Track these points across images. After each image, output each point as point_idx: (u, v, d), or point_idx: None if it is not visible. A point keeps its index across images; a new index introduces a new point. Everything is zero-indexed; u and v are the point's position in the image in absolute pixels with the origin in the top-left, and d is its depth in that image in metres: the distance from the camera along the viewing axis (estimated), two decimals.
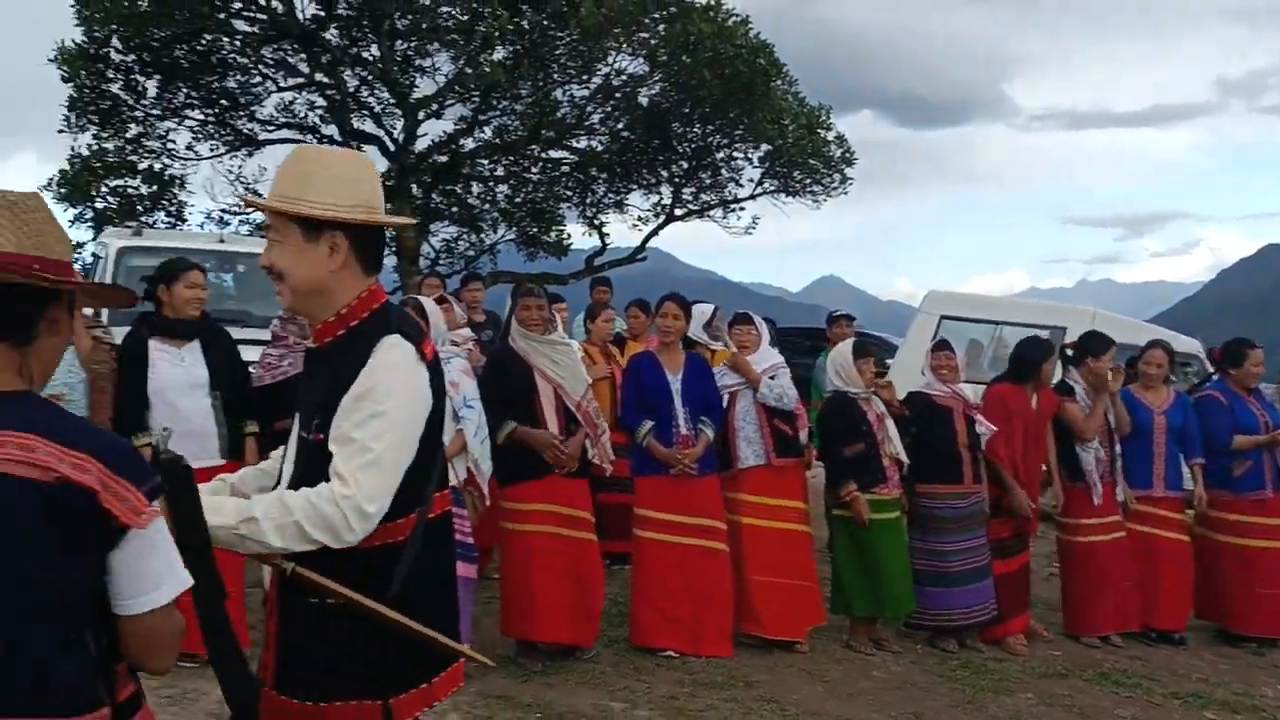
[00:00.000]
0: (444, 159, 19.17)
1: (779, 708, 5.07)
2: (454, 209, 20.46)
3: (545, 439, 5.30)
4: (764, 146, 18.74)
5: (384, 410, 2.07)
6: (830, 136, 18.95)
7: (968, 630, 6.28)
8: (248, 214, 19.19)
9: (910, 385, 6.72)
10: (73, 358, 4.97)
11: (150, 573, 1.66)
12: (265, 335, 5.70)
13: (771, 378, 6.06)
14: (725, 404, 6.00)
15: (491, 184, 20.63)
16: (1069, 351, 6.83)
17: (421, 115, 18.52)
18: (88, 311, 4.20)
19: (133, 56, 17.40)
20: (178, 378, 4.96)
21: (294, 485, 2.15)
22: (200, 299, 5.08)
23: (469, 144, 19.56)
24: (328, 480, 2.06)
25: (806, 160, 18.68)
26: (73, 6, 16.60)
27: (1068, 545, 6.70)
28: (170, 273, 5.11)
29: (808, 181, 19.33)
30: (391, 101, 18.83)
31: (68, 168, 17.83)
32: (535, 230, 20.74)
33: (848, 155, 19.10)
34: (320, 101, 19.04)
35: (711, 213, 20.59)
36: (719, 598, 5.78)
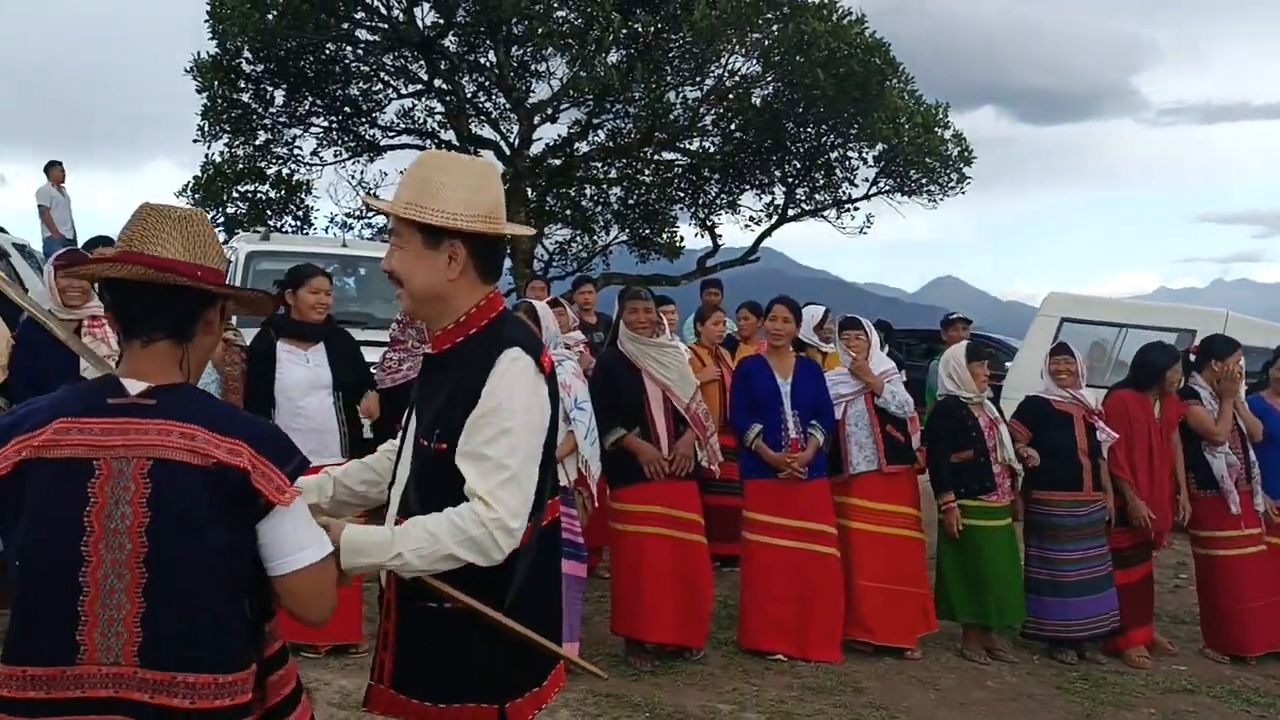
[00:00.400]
0: (558, 162, 19.43)
1: (889, 715, 5.01)
2: (568, 211, 20.72)
3: (649, 454, 5.35)
4: (879, 146, 18.48)
5: (512, 426, 2.10)
6: (948, 135, 18.59)
7: (1087, 642, 6.11)
8: (369, 218, 19.77)
9: (1028, 389, 6.57)
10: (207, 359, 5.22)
11: (296, 539, 1.89)
12: (386, 337, 5.87)
13: (887, 383, 6.00)
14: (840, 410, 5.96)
15: (604, 186, 20.82)
16: (1192, 356, 6.58)
17: (537, 119, 18.82)
18: None
19: (262, 67, 18.11)
20: (303, 378, 5.17)
21: (408, 490, 2.21)
22: (324, 304, 5.27)
23: (583, 147, 19.79)
24: (447, 491, 2.11)
25: (923, 159, 18.35)
26: (207, 21, 17.36)
27: (1204, 560, 6.40)
28: (296, 278, 5.33)
29: (924, 181, 18.99)
30: (507, 106, 19.17)
31: (201, 174, 18.64)
32: (648, 232, 20.85)
33: (966, 154, 18.71)
34: (439, 107, 19.50)
35: (825, 213, 20.39)
36: (827, 602, 5.74)
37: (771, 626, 5.68)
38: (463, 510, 2.07)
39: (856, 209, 20.08)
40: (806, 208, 20.43)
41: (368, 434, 5.39)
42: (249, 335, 5.52)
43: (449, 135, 19.55)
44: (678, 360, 5.56)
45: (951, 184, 19.04)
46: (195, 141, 18.36)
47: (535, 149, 19.15)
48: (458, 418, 2.13)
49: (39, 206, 13.49)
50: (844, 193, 20.01)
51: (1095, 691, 5.56)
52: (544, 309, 5.27)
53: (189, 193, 18.74)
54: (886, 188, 19.54)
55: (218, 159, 18.59)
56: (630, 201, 20.93)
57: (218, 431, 1.83)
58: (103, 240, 6.57)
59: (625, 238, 21.02)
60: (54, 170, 13.80)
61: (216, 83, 17.81)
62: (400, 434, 2.34)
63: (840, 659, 5.71)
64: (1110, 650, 6.15)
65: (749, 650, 5.71)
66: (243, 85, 18.31)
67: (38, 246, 12.56)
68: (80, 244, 13.96)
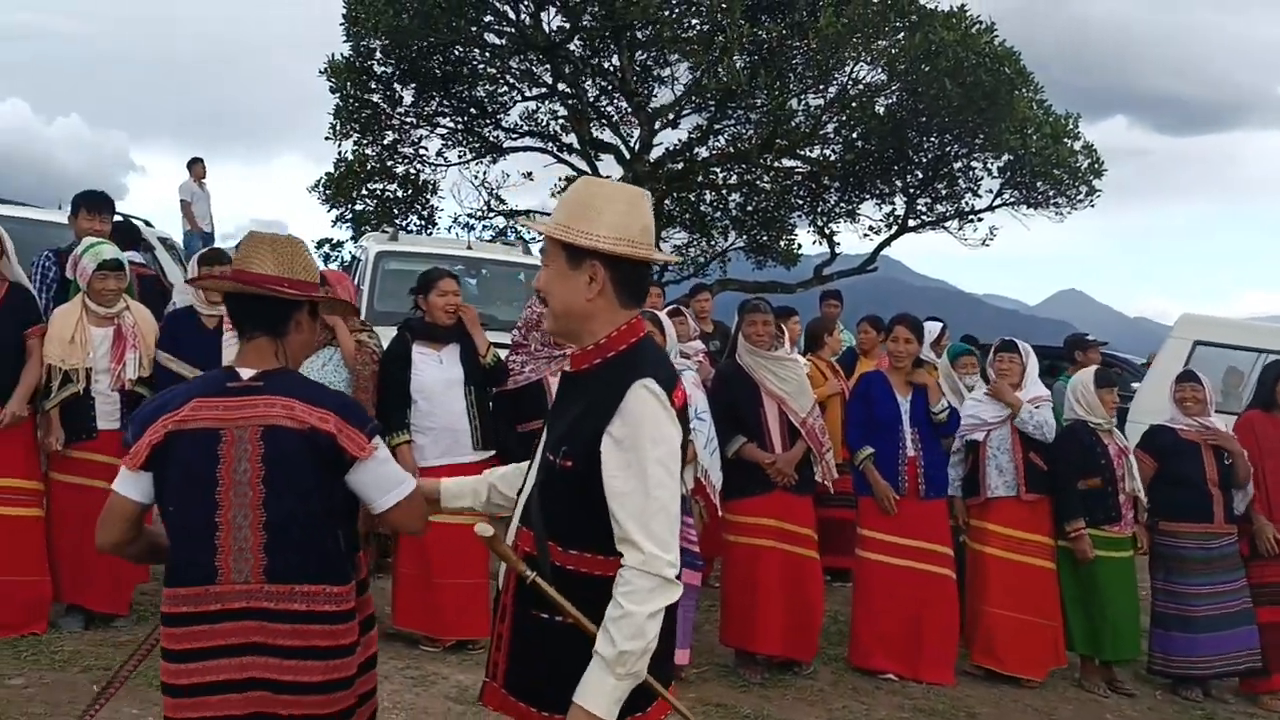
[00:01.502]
0: (677, 167, 19.48)
1: None
2: (686, 216, 20.74)
3: (769, 458, 5.36)
4: (1005, 156, 18.03)
5: (652, 458, 2.12)
6: (1078, 146, 18.04)
7: (1215, 680, 5.89)
8: (490, 219, 20.14)
9: (1156, 413, 6.37)
10: (339, 359, 5.40)
11: (383, 482, 2.47)
12: (507, 339, 5.98)
13: (1036, 408, 5.88)
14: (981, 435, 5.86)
15: (723, 191, 20.79)
16: None
17: (658, 124, 18.89)
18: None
19: (392, 67, 18.58)
20: (437, 378, 5.33)
21: (532, 500, 2.27)
22: (453, 304, 5.41)
23: (702, 152, 19.80)
24: (572, 507, 2.18)
25: (1051, 171, 17.84)
26: (342, 24, 17.90)
27: None
28: (425, 282, 5.49)
29: (1051, 193, 18.47)
30: (629, 110, 19.28)
31: (333, 171, 19.22)
32: (765, 238, 20.75)
33: (1096, 166, 18.13)
34: (561, 110, 19.73)
35: (947, 224, 20.01)
36: (942, 623, 5.66)
37: (884, 645, 5.63)
38: (625, 576, 2.10)
39: (980, 220, 19.66)
40: (927, 218, 20.07)
41: None
42: (386, 336, 5.68)
43: (570, 138, 19.78)
44: (796, 374, 5.56)
45: (1080, 197, 18.48)
46: (327, 139, 18.93)
47: (655, 153, 19.24)
48: (586, 438, 2.17)
49: (181, 201, 14.10)
50: (967, 204, 19.60)
51: None
52: (666, 320, 5.32)
53: (320, 189, 19.32)
54: (1011, 199, 19.06)
55: (349, 157, 19.13)
56: (749, 207, 20.84)
57: (311, 404, 2.41)
58: (218, 256, 6.86)
59: (742, 244, 20.95)
60: (196, 167, 14.41)
61: (349, 83, 18.33)
62: (534, 444, 2.40)
63: (953, 682, 5.63)
64: (1245, 691, 5.93)
65: (859, 668, 5.66)
66: (373, 86, 18.80)
67: (179, 239, 13.12)
68: (218, 240, 14.60)
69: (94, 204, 5.99)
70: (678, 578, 2.13)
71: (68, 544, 5.11)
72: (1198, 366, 7.39)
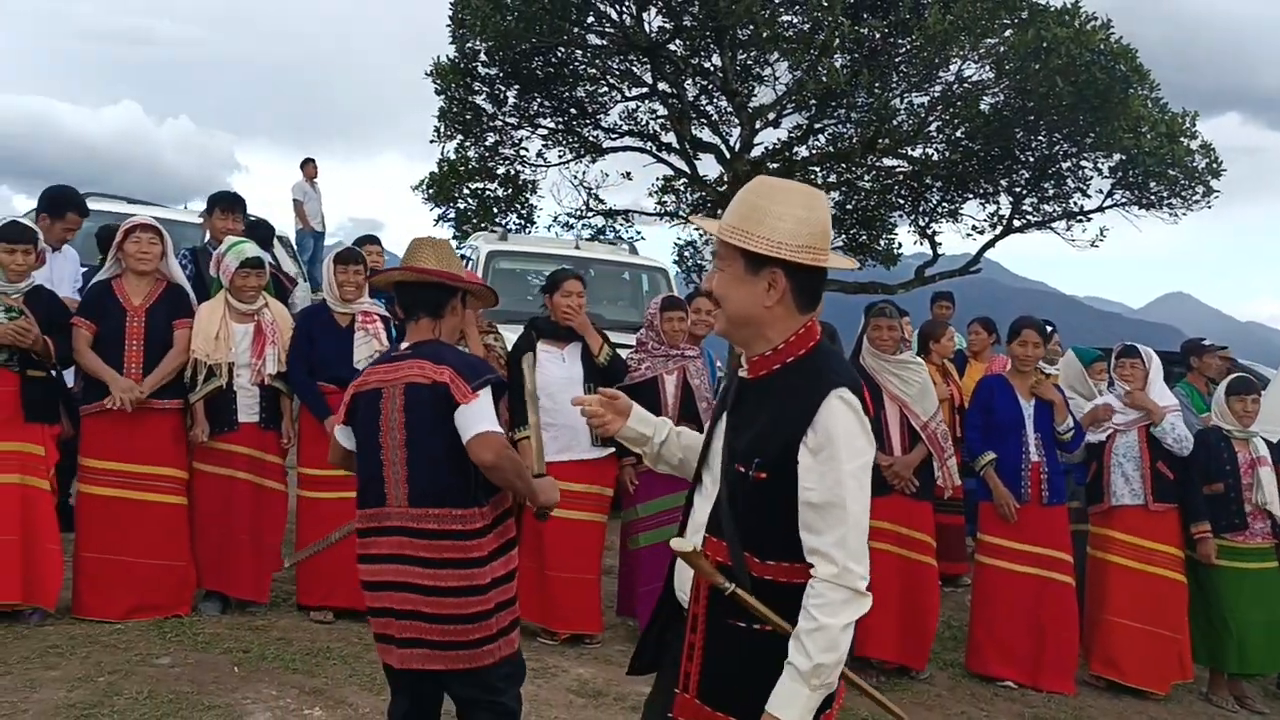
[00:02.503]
0: (776, 166, 19.39)
1: None
2: None
3: (886, 461, 5.34)
4: (1116, 156, 17.53)
5: (848, 470, 2.10)
6: (1194, 145, 17.45)
7: None
8: (589, 218, 20.30)
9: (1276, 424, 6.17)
10: None
11: (469, 420, 3.09)
12: (615, 338, 6.05)
13: (1170, 414, 5.77)
14: (1105, 438, 5.75)
15: (823, 191, 20.64)
16: None
17: (758, 124, 18.82)
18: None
19: (496, 69, 18.84)
20: (558, 375, 5.43)
21: (720, 512, 2.21)
22: (576, 305, 5.50)
23: (802, 152, 19.69)
24: (765, 519, 2.16)
25: (1165, 170, 17.30)
26: (448, 26, 18.23)
27: None
28: (552, 282, 5.59)
29: (1165, 194, 17.92)
30: (729, 110, 19.25)
31: (435, 171, 19.58)
32: (864, 238, 20.55)
33: (1215, 165, 17.52)
34: (661, 110, 19.78)
35: (1054, 224, 19.56)
36: (1062, 631, 5.59)
37: (1004, 653, 5.57)
38: (817, 587, 2.09)
39: (1089, 219, 19.16)
40: (1034, 218, 19.64)
41: None
42: (513, 335, 5.80)
43: (670, 138, 19.83)
44: (920, 378, 5.53)
45: (1196, 197, 17.89)
46: (432, 142, 19.30)
47: (755, 153, 19.19)
48: (778, 449, 2.14)
49: (294, 201, 14.54)
50: (1075, 204, 19.13)
51: None
52: None
53: (424, 188, 19.70)
54: (1123, 200, 18.56)
55: (451, 157, 19.46)
56: (848, 207, 20.67)
57: (436, 362, 3.14)
58: (370, 239, 7.05)
59: (841, 244, 20.77)
60: (308, 166, 14.84)
61: (454, 85, 18.65)
62: (703, 447, 2.37)
63: (1074, 691, 5.54)
64: None
65: (977, 674, 5.61)
66: (477, 87, 19.10)
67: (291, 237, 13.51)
68: (326, 238, 14.97)
69: (228, 204, 6.26)
70: (868, 589, 2.12)
71: (210, 532, 5.35)
72: None
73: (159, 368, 5.20)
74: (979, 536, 5.77)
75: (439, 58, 18.79)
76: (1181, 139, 17.11)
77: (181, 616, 5.19)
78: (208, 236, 6.50)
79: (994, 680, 5.55)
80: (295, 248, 12.85)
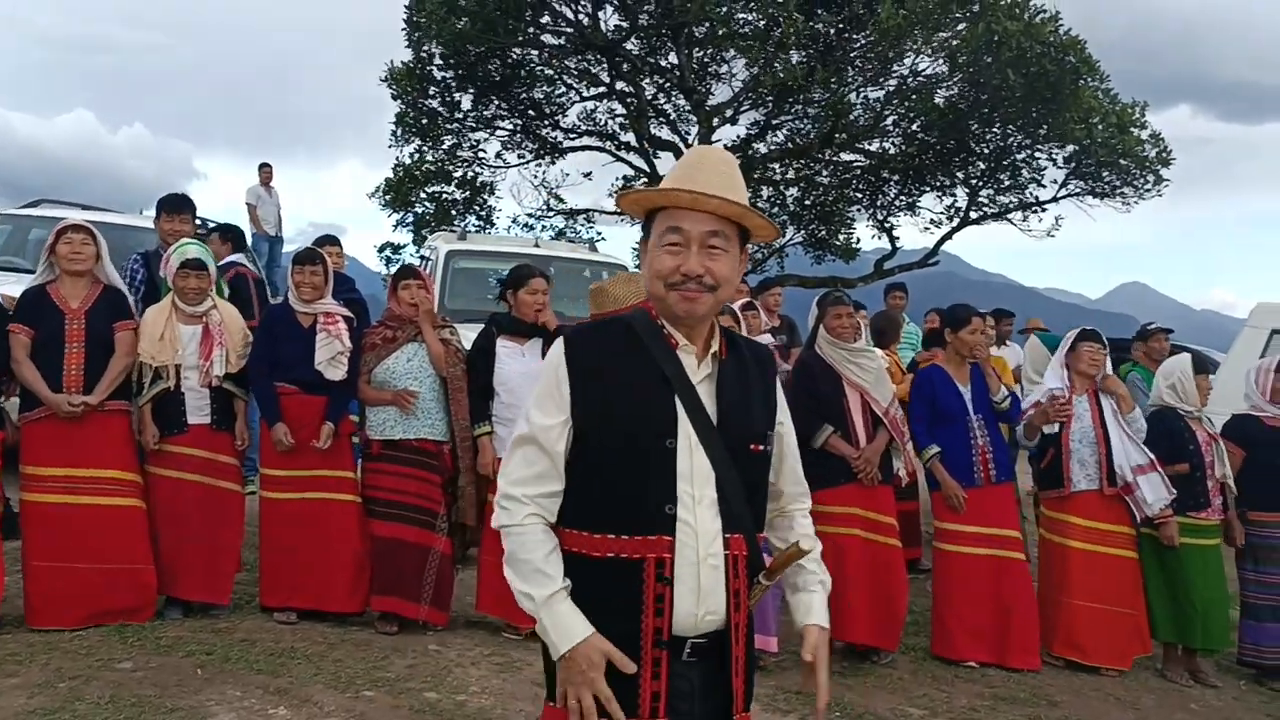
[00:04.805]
0: (737, 163, 19.50)
1: None
2: None
3: (855, 451, 5.40)
4: (1069, 147, 17.80)
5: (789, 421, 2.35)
6: (1144, 135, 17.76)
7: None
8: (549, 218, 20.32)
9: (1234, 404, 6.30)
10: (424, 354, 5.53)
11: None
12: None
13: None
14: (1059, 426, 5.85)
15: (781, 187, 20.77)
16: None
17: (716, 121, 18.92)
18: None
19: (451, 73, 18.80)
20: (518, 370, 5.44)
21: (733, 497, 2.10)
22: (541, 302, 5.51)
23: (761, 148, 19.81)
24: (764, 493, 2.24)
25: (1117, 161, 17.59)
26: (404, 29, 18.17)
27: None
28: (516, 279, 5.61)
29: (1118, 183, 18.21)
30: (687, 108, 19.36)
31: (392, 176, 19.51)
32: (824, 233, 20.72)
33: (1164, 155, 17.84)
34: (620, 110, 19.85)
35: (1010, 215, 19.81)
36: (1024, 608, 5.68)
37: (970, 635, 5.64)
38: (806, 519, 2.38)
39: (1044, 211, 19.43)
40: (990, 210, 19.88)
41: None
42: (473, 333, 5.81)
43: (628, 137, 19.89)
44: (875, 364, 5.59)
45: (1147, 186, 18.20)
46: (389, 147, 19.24)
47: None
48: (769, 419, 2.22)
49: (247, 205, 14.41)
50: (1030, 195, 19.39)
51: None
52: (739, 313, 5.41)
53: (380, 194, 19.62)
54: (1076, 190, 18.84)
55: (408, 161, 19.41)
56: (807, 202, 20.83)
57: None
58: (329, 239, 7.03)
59: (801, 239, 20.93)
60: (263, 171, 14.72)
61: (409, 89, 18.59)
62: (660, 432, 2.08)
63: (1039, 667, 5.63)
64: None
65: (943, 658, 5.68)
66: (433, 91, 19.05)
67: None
68: (287, 243, 14.86)
69: (174, 207, 6.23)
70: None
71: (164, 537, 5.29)
72: (1276, 355, 7.27)
73: (107, 374, 5.15)
74: (935, 523, 5.85)
75: (394, 62, 18.75)
76: (1132, 129, 17.41)
77: (143, 623, 5.14)
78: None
79: (957, 662, 5.63)
80: (253, 252, 12.76)
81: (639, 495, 2.05)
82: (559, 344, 2.16)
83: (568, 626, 2.04)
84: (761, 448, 2.18)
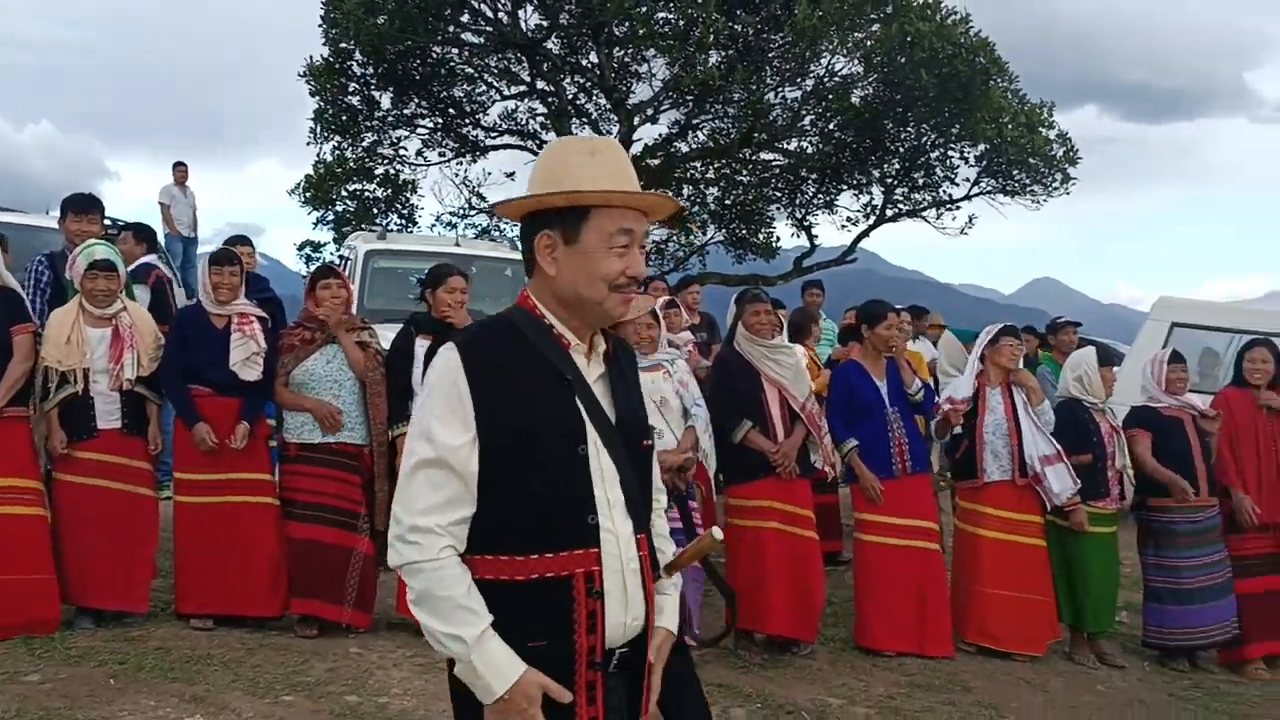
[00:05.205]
0: (656, 162, 19.59)
1: (997, 714, 5.07)
2: None
3: (773, 445, 5.48)
4: (981, 146, 18.24)
5: None
6: (1052, 134, 18.26)
7: (1204, 650, 6.06)
8: (473, 217, 20.19)
9: (1136, 396, 6.53)
10: (343, 355, 5.48)
11: None
12: None
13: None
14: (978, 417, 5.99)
15: (702, 186, 20.92)
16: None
17: (637, 120, 18.99)
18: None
19: (371, 70, 18.59)
20: None
21: (637, 496, 2.07)
22: (460, 301, 5.49)
23: (682, 147, 19.93)
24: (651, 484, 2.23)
25: (1026, 160, 18.06)
26: (321, 26, 17.91)
27: None
28: (434, 277, 5.58)
29: (1027, 181, 18.70)
30: (608, 107, 19.38)
31: (312, 174, 19.22)
32: (744, 232, 20.91)
33: (1071, 154, 18.36)
34: (540, 109, 19.82)
35: (924, 213, 20.21)
36: (941, 598, 5.84)
37: (891, 625, 5.76)
38: (662, 521, 2.27)
39: (958, 209, 19.87)
40: (905, 208, 20.26)
41: None
42: (393, 332, 5.76)
43: (549, 136, 19.84)
44: (793, 360, 5.68)
45: (1056, 184, 18.71)
46: (308, 144, 18.95)
47: (634, 149, 19.35)
48: (647, 415, 2.22)
49: (160, 204, 14.08)
50: (944, 193, 19.81)
51: (1210, 700, 5.54)
52: (658, 311, 5.46)
53: (300, 192, 19.32)
54: (988, 188, 19.28)
55: (328, 159, 19.15)
56: (727, 201, 21.01)
57: None
58: (241, 239, 6.91)
59: (722, 237, 21.11)
60: (178, 170, 14.39)
61: (328, 86, 18.34)
62: (571, 437, 2.00)
63: (954, 654, 5.78)
64: (1228, 661, 6.09)
65: (865, 648, 5.79)
66: (352, 89, 18.83)
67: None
68: (199, 245, 14.55)
69: (81, 206, 6.01)
70: None
71: (74, 544, 5.15)
72: (1176, 348, 7.54)
73: (4, 380, 5.01)
74: (855, 515, 5.96)
75: (313, 58, 18.46)
76: (1040, 129, 17.88)
77: (51, 634, 5.01)
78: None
79: (875, 651, 5.74)
80: (166, 253, 12.48)
81: (559, 508, 1.95)
82: (450, 352, 1.97)
83: (501, 666, 1.88)
84: (649, 444, 2.17)
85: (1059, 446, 5.87)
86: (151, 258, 7.19)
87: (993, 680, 5.55)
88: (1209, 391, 7.49)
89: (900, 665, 5.62)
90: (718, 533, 2.26)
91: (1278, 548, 6.12)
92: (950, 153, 19.11)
